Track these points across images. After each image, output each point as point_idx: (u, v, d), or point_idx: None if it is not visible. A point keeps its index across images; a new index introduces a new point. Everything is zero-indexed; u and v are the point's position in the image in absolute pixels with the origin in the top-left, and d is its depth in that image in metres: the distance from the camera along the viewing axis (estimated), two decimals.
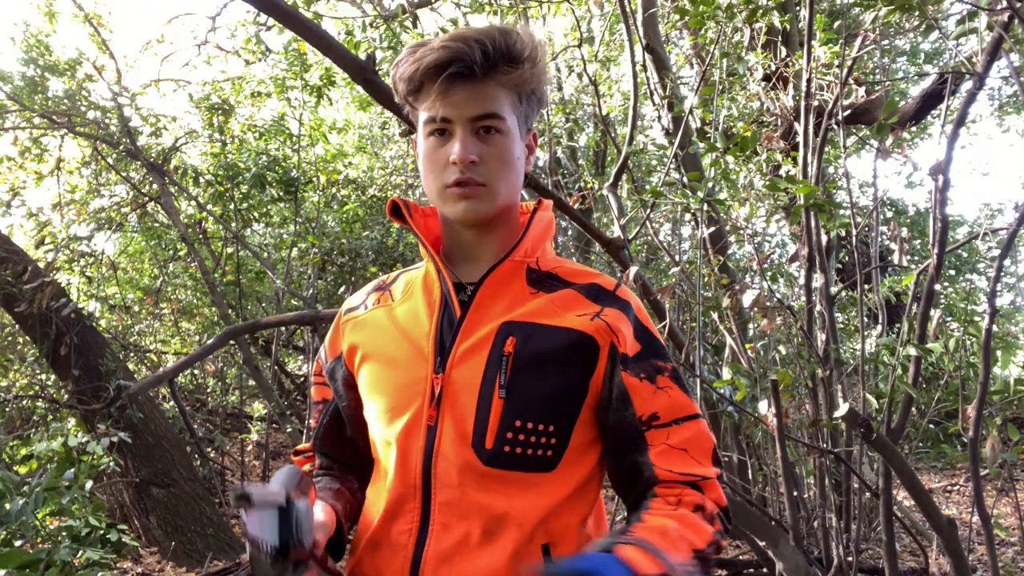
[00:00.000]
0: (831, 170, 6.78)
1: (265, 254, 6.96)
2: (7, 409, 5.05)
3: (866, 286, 2.78)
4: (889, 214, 11.64)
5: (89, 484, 2.80)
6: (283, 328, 6.27)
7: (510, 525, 0.88)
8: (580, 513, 0.94)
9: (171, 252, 6.66)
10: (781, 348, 3.40)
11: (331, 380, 1.08)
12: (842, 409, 1.75)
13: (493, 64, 0.89)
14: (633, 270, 2.43)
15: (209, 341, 4.53)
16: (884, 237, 7.97)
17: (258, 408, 7.10)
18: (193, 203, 6.18)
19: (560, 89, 6.28)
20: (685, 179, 2.96)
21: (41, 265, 4.54)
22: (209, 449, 5.90)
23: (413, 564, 0.90)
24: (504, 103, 0.92)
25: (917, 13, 2.08)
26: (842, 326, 4.62)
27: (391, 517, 0.94)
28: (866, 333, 2.78)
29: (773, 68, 3.67)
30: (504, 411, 0.89)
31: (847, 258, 6.50)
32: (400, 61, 0.92)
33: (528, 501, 0.89)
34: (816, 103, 2.72)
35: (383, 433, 0.97)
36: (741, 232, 3.61)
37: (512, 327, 0.92)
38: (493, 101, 0.90)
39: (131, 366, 6.02)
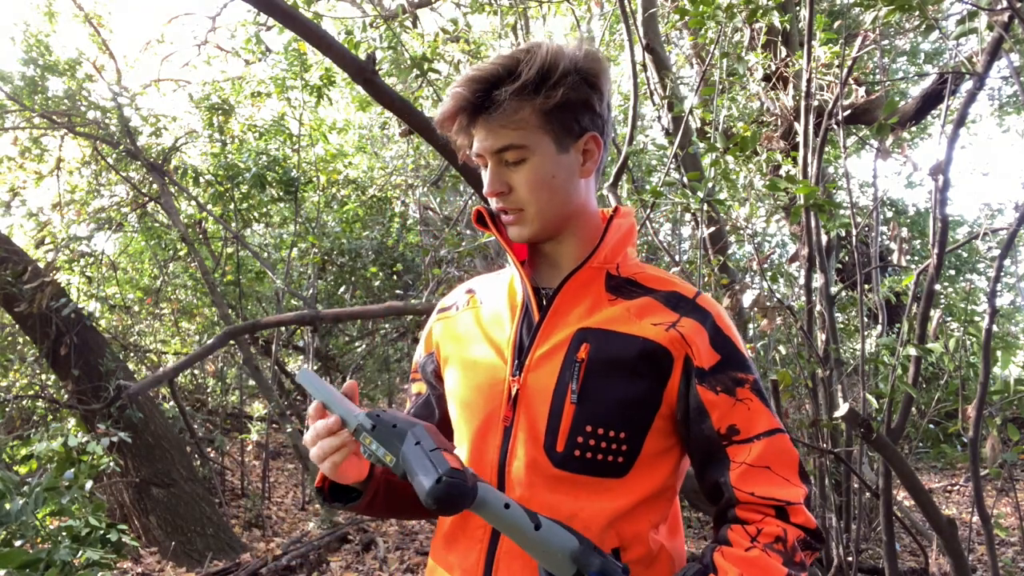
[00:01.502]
0: (831, 170, 6.78)
1: (265, 254, 6.96)
2: (7, 409, 5.05)
3: (866, 286, 2.78)
4: (889, 214, 11.63)
5: (89, 484, 2.80)
6: (283, 328, 6.27)
7: (578, 527, 0.89)
8: (652, 520, 0.95)
9: (171, 252, 6.65)
10: (781, 348, 3.40)
11: (423, 373, 1.14)
12: (842, 409, 1.75)
13: (499, 100, 0.90)
14: None
15: (209, 341, 4.53)
16: (884, 237, 7.97)
17: (258, 408, 7.09)
18: (193, 203, 6.18)
19: None
20: (685, 179, 2.96)
21: (41, 265, 4.53)
22: (209, 449, 5.90)
23: (488, 557, 0.94)
24: (523, 129, 0.93)
25: (917, 13, 2.08)
26: (842, 326, 4.61)
27: (468, 512, 0.97)
28: (866, 333, 2.77)
29: (773, 68, 3.67)
30: (575, 416, 0.92)
31: (847, 258, 6.49)
32: None
33: (597, 505, 0.90)
34: (816, 103, 2.72)
35: (462, 430, 1.01)
36: (741, 232, 3.61)
37: (587, 334, 0.94)
38: (508, 132, 0.92)
39: (131, 366, 6.02)
